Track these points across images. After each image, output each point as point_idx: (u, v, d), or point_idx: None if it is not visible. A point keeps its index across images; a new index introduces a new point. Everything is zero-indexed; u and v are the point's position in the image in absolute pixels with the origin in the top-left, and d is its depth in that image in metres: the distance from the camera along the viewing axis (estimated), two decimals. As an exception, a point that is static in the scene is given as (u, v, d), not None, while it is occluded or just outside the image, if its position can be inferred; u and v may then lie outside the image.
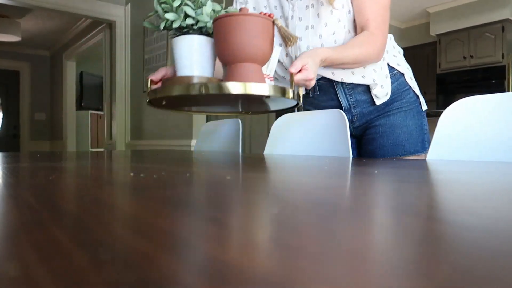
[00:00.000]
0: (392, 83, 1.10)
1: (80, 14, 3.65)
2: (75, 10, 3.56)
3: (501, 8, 4.69)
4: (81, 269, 0.14)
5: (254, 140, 3.34)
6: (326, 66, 1.03)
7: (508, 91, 4.46)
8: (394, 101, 1.11)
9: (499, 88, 4.58)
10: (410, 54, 5.88)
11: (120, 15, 3.77)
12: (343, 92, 1.13)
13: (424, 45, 5.63)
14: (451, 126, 0.93)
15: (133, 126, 3.75)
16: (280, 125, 1.42)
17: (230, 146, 1.66)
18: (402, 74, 1.12)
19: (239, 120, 1.64)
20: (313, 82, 0.91)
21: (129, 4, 3.75)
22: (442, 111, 0.97)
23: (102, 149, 5.75)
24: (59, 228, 0.20)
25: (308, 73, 0.88)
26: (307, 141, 1.30)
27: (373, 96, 1.09)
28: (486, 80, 4.77)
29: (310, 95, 1.21)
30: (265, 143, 1.46)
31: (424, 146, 1.09)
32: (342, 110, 1.14)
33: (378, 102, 1.10)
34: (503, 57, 4.65)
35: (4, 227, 0.21)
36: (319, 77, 1.13)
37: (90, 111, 6.27)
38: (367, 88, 1.10)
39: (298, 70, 0.88)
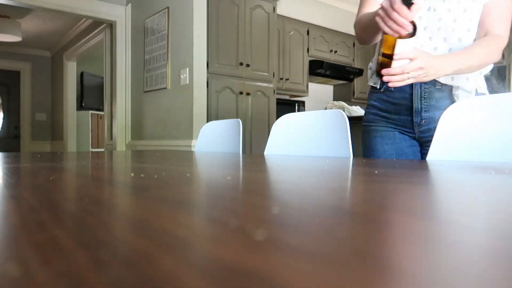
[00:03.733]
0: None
1: (81, 14, 3.65)
2: (76, 11, 3.56)
3: (501, 8, 4.68)
4: (81, 269, 0.14)
5: (255, 140, 3.34)
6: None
7: (509, 91, 4.46)
8: None
9: (500, 88, 4.58)
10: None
11: (121, 15, 3.77)
12: (419, 94, 1.11)
13: (425, 45, 5.61)
14: (451, 126, 0.93)
15: (133, 127, 3.76)
16: (280, 125, 1.42)
17: (230, 146, 1.66)
18: (483, 94, 1.11)
19: (239, 120, 1.64)
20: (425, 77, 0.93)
21: (129, 4, 3.75)
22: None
23: (102, 150, 5.75)
24: (60, 228, 0.20)
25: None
26: (308, 141, 1.30)
27: (455, 97, 1.07)
28: (486, 81, 4.75)
29: (381, 90, 1.19)
30: (266, 143, 1.46)
31: None
32: (412, 111, 1.13)
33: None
34: (503, 58, 4.65)
35: (5, 228, 0.21)
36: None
37: (90, 111, 6.27)
38: (447, 96, 1.08)
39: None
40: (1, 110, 6.37)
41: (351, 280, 0.12)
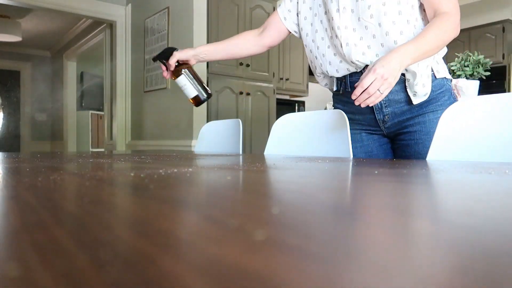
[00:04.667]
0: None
1: (81, 14, 3.65)
2: (76, 10, 3.56)
3: (501, 8, 4.68)
4: (81, 269, 0.14)
5: (255, 140, 3.34)
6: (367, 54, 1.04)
7: (509, 91, 4.46)
8: (428, 103, 1.06)
9: (500, 88, 4.58)
10: (410, 55, 5.87)
11: (121, 15, 3.77)
12: (383, 102, 1.09)
13: (425, 45, 5.61)
14: (451, 126, 0.93)
15: (133, 126, 3.76)
16: (280, 125, 1.42)
17: (230, 146, 1.66)
18: (444, 78, 1.08)
19: (239, 120, 1.64)
20: (391, 83, 0.90)
21: (129, 4, 3.75)
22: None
23: (102, 149, 5.75)
24: (60, 228, 0.20)
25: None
26: (308, 141, 1.30)
27: (410, 94, 1.05)
28: (486, 81, 4.76)
29: (340, 92, 1.17)
30: (266, 143, 1.46)
31: None
32: (373, 109, 1.11)
33: (415, 101, 1.04)
34: (503, 58, 4.65)
35: (5, 228, 0.21)
36: (350, 72, 1.11)
37: (90, 111, 6.27)
38: (402, 88, 1.06)
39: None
40: (1, 110, 6.37)
41: (351, 280, 0.12)
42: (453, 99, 1.09)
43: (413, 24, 1.02)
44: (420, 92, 1.04)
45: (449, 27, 0.96)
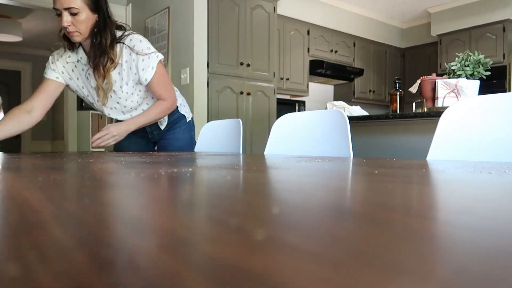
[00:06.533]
0: (171, 117, 1.70)
1: (81, 14, 3.65)
2: (76, 10, 3.56)
3: (502, 8, 4.68)
4: (81, 269, 0.14)
5: (255, 140, 3.34)
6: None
7: (509, 91, 4.46)
8: (174, 126, 1.74)
9: (500, 88, 4.58)
10: (411, 55, 5.88)
11: (121, 15, 3.77)
12: (150, 128, 1.73)
13: (425, 45, 5.62)
14: (451, 126, 0.93)
15: (134, 126, 3.75)
16: (280, 125, 1.42)
17: (230, 146, 1.66)
18: (182, 115, 1.73)
19: (240, 120, 1.64)
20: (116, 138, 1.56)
21: (130, 4, 3.75)
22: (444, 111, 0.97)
23: (103, 150, 5.75)
24: (60, 228, 0.20)
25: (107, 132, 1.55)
26: (308, 141, 1.30)
27: (159, 125, 1.70)
28: (487, 80, 4.76)
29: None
30: (266, 143, 1.46)
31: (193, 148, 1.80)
32: (146, 131, 1.71)
33: (162, 127, 1.71)
34: (504, 57, 4.65)
35: (5, 228, 0.21)
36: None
37: (91, 111, 6.27)
38: (156, 123, 1.70)
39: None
40: (2, 110, 6.37)
41: (351, 280, 0.12)
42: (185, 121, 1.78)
43: (146, 102, 1.64)
44: (163, 125, 1.71)
45: (163, 108, 1.59)
